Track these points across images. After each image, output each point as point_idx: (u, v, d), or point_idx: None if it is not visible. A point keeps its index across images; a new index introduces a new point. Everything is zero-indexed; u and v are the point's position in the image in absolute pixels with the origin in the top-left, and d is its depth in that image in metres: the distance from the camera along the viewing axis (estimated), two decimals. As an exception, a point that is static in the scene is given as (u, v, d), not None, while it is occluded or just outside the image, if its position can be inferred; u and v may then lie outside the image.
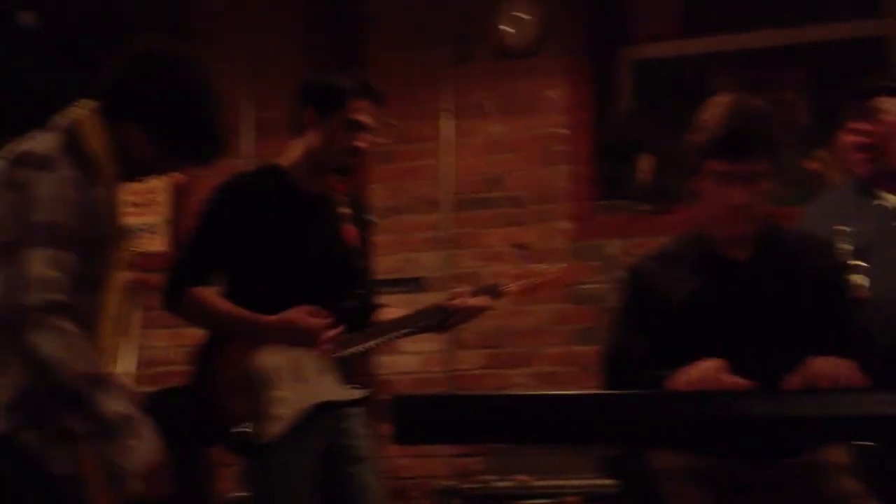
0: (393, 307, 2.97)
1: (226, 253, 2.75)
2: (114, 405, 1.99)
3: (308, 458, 2.72)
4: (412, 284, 4.29)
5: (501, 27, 4.32)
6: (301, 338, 2.68)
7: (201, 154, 2.22)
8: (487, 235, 4.27)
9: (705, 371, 2.01)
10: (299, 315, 2.68)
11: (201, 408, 2.76)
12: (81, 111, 2.14)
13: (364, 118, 2.76)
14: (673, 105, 4.34)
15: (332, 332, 2.70)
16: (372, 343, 2.78)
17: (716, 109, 2.20)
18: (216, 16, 4.46)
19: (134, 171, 2.19)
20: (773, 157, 2.19)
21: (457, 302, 2.79)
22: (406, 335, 2.85)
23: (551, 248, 4.18)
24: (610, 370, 2.26)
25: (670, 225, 3.93)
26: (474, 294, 2.83)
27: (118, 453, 2.00)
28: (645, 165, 4.15)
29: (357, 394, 2.77)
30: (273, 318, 2.68)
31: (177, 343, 4.34)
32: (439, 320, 2.81)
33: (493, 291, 2.86)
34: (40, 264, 1.97)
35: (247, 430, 2.65)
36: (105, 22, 4.86)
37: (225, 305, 2.71)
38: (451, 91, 4.34)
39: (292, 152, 2.81)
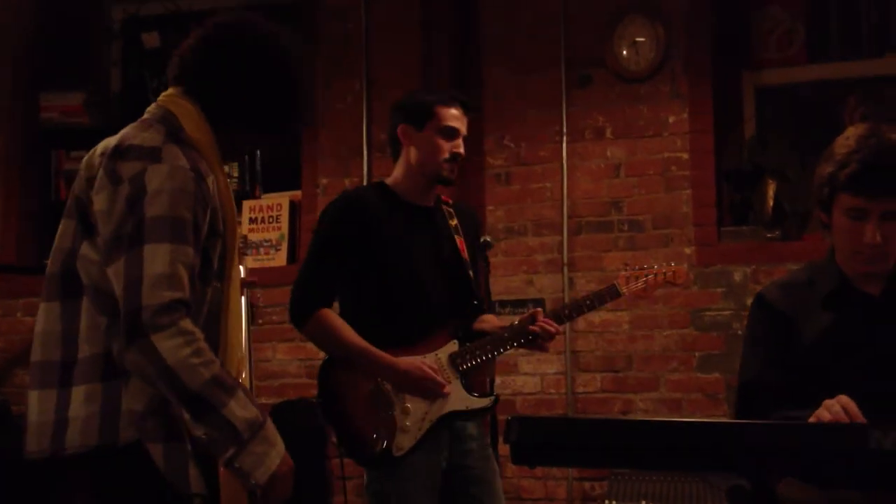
0: (489, 317, 2.97)
1: (346, 270, 2.79)
2: (241, 411, 1.87)
3: (433, 474, 2.75)
4: (533, 306, 4.30)
5: (619, 51, 4.33)
6: (419, 386, 2.72)
7: (281, 125, 2.12)
8: (607, 258, 4.26)
9: (853, 415, 1.94)
10: (421, 367, 2.72)
11: (332, 422, 2.81)
12: (170, 99, 2.04)
13: (456, 124, 2.82)
14: (797, 131, 4.30)
15: (447, 389, 2.74)
16: (490, 356, 2.81)
17: (850, 141, 2.12)
18: (336, 40, 4.55)
19: (226, 150, 2.08)
20: None
21: (536, 327, 2.79)
22: (514, 346, 2.87)
23: (673, 272, 4.15)
24: (744, 404, 2.22)
25: (797, 252, 3.91)
26: (591, 299, 2.86)
27: (245, 461, 1.88)
28: (770, 191, 4.10)
29: (482, 402, 2.80)
30: (398, 362, 2.72)
31: (296, 356, 4.42)
32: (530, 338, 2.82)
33: (612, 293, 2.88)
34: (157, 260, 1.84)
35: (378, 443, 2.69)
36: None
37: (351, 336, 2.74)
38: (568, 114, 4.35)
39: (395, 172, 2.88)
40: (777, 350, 2.20)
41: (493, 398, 2.83)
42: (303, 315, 2.76)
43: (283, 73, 2.06)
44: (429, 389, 2.72)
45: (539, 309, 2.88)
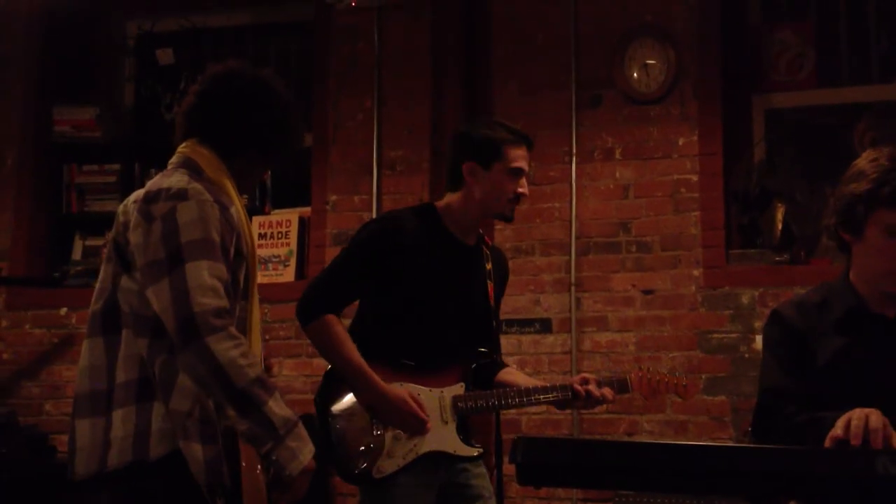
0: (517, 372, 3.00)
1: (371, 285, 2.78)
2: (279, 409, 2.10)
3: (426, 495, 2.73)
4: (540, 325, 4.30)
5: (628, 73, 4.34)
6: (400, 418, 2.70)
7: (282, 149, 2.38)
8: (615, 279, 4.26)
9: (872, 430, 1.93)
10: (407, 398, 2.70)
11: (323, 428, 2.78)
12: (189, 149, 2.30)
13: (523, 164, 2.82)
14: (806, 155, 4.30)
15: (426, 426, 2.72)
16: (493, 405, 2.80)
17: (882, 160, 2.13)
18: (346, 58, 4.58)
19: (243, 184, 2.36)
20: None
21: (588, 388, 2.79)
22: (526, 405, 2.86)
23: (681, 294, 4.15)
24: (766, 410, 2.21)
25: (805, 275, 3.90)
26: (601, 385, 2.83)
27: (281, 455, 2.09)
28: (779, 215, 4.10)
29: (470, 451, 2.79)
30: (384, 387, 2.70)
31: (303, 372, 4.43)
32: (563, 401, 2.82)
33: (622, 386, 2.88)
34: (199, 274, 2.08)
35: (360, 462, 2.68)
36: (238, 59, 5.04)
37: (350, 351, 2.73)
38: (578, 135, 4.37)
39: (452, 201, 2.85)
40: (795, 363, 2.20)
41: (479, 449, 2.81)
42: (309, 314, 2.76)
43: (274, 105, 2.34)
44: (409, 425, 2.70)
45: (591, 376, 2.86)
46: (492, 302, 2.88)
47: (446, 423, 2.75)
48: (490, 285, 2.88)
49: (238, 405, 2.07)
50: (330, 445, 2.75)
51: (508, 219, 2.88)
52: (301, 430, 2.13)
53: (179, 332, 2.05)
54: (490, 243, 2.97)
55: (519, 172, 2.81)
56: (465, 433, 2.79)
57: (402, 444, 2.71)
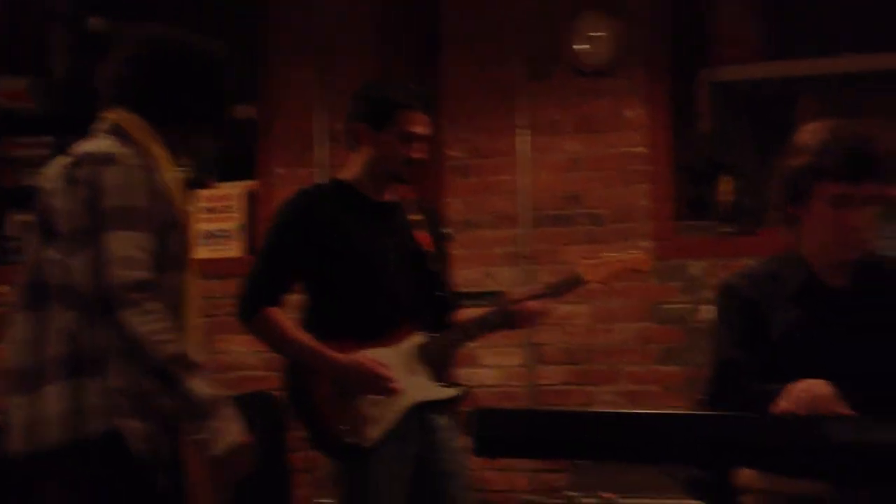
0: (475, 310, 3.01)
1: (301, 267, 2.78)
2: (200, 387, 2.04)
3: (403, 466, 2.75)
4: (491, 298, 4.29)
5: (577, 45, 4.34)
6: (366, 383, 2.70)
7: (213, 119, 2.33)
8: (565, 252, 4.27)
9: (818, 398, 1.98)
10: (366, 361, 2.70)
11: (299, 416, 2.78)
12: (116, 115, 2.22)
13: (418, 129, 2.80)
14: (754, 127, 4.36)
15: (395, 384, 2.71)
16: (455, 341, 2.84)
17: (823, 133, 2.16)
18: (291, 28, 4.51)
19: (176, 150, 2.27)
20: (891, 180, 2.15)
21: (520, 307, 2.84)
22: (484, 334, 2.89)
23: (632, 266, 4.18)
24: (720, 381, 2.24)
25: (753, 246, 3.96)
26: (555, 287, 2.88)
27: (205, 434, 2.05)
28: (726, 186, 4.16)
29: (450, 392, 2.81)
30: (342, 358, 2.70)
31: (254, 349, 4.35)
32: (509, 320, 2.86)
33: (574, 281, 2.91)
34: (121, 244, 2.02)
35: (348, 434, 2.67)
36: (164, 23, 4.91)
37: (297, 334, 2.73)
38: (527, 108, 4.36)
39: (351, 167, 2.86)
40: (748, 333, 2.22)
41: (461, 389, 2.84)
42: (248, 312, 2.76)
43: (205, 74, 2.27)
44: (375, 386, 2.70)
45: (514, 292, 2.91)
46: (428, 248, 2.86)
47: (415, 373, 2.75)
48: (421, 233, 2.87)
49: (157, 381, 2.03)
50: (312, 431, 2.74)
51: (403, 181, 2.85)
52: (226, 409, 2.07)
53: (98, 305, 2.02)
54: (412, 196, 2.94)
55: (412, 137, 2.78)
56: (438, 377, 2.80)
57: (382, 406, 2.70)
